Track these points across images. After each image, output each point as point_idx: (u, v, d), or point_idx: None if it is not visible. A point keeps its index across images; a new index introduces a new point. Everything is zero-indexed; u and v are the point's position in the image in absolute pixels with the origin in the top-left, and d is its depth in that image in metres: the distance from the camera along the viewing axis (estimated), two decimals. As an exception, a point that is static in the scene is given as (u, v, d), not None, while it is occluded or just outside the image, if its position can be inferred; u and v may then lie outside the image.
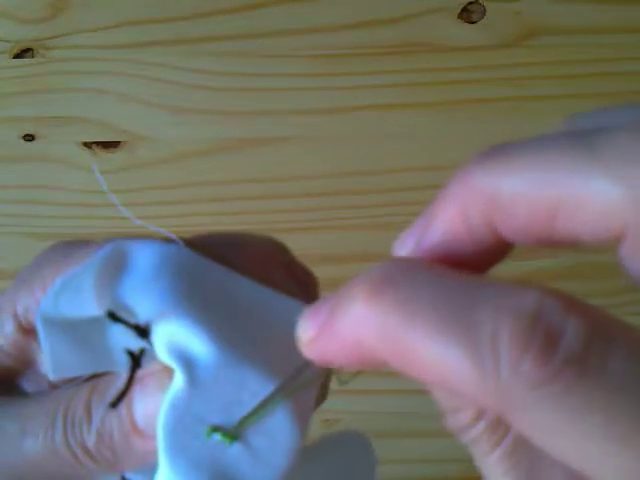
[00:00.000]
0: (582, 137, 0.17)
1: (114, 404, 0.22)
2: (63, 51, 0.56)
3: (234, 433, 0.21)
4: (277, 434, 0.21)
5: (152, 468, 0.23)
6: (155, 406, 0.22)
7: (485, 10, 0.56)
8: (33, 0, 0.56)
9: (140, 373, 0.23)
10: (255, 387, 0.21)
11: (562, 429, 0.15)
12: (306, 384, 0.22)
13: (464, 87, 0.56)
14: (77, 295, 0.22)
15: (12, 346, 0.25)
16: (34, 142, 0.57)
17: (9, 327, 0.25)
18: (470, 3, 0.56)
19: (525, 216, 0.17)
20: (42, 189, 0.57)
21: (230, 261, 0.24)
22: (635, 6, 0.56)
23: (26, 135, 0.57)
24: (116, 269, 0.22)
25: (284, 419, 0.21)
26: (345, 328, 0.17)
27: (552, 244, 0.18)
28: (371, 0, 0.56)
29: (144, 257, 0.22)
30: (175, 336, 0.22)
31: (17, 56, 0.56)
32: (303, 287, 0.26)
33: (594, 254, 0.54)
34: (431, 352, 0.16)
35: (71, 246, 0.25)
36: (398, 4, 0.56)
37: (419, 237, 0.19)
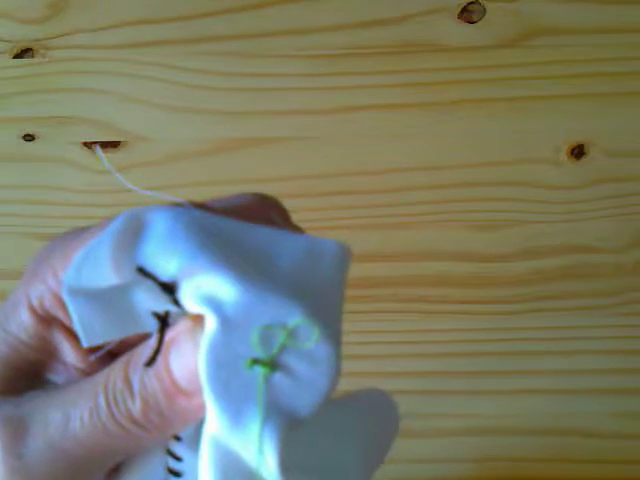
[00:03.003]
0: None
1: (150, 362, 0.23)
2: (63, 51, 0.56)
3: (273, 362, 0.22)
4: (316, 357, 0.22)
5: (195, 438, 0.23)
6: (192, 361, 0.22)
7: (485, 10, 0.56)
8: (33, 0, 0.56)
9: (170, 334, 0.23)
10: (285, 315, 0.22)
11: None
12: (336, 306, 0.22)
13: (464, 87, 0.56)
14: (97, 265, 0.22)
15: (33, 337, 0.25)
16: (34, 142, 0.57)
17: (27, 319, 0.25)
18: (470, 3, 0.56)
19: None
20: (42, 189, 0.57)
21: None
22: (635, 6, 0.56)
23: (26, 135, 0.57)
24: (133, 235, 0.23)
25: (322, 342, 0.22)
26: None
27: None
28: (371, 0, 0.56)
29: (158, 220, 0.23)
30: (200, 285, 0.22)
31: (17, 56, 0.56)
32: None
33: (594, 254, 0.54)
34: None
35: (73, 233, 0.25)
36: (398, 4, 0.56)
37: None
